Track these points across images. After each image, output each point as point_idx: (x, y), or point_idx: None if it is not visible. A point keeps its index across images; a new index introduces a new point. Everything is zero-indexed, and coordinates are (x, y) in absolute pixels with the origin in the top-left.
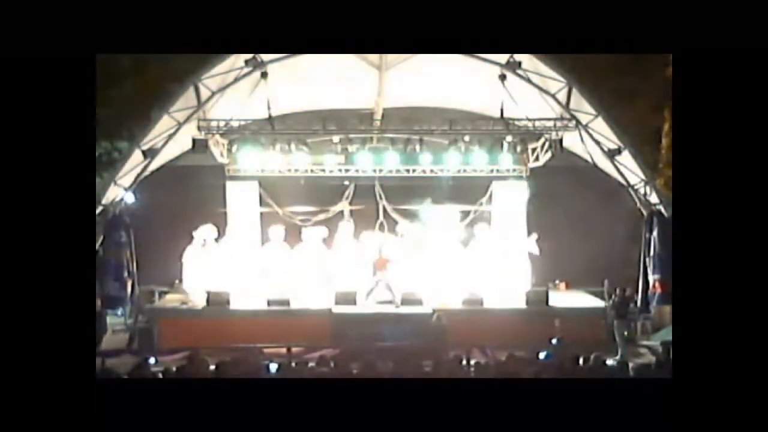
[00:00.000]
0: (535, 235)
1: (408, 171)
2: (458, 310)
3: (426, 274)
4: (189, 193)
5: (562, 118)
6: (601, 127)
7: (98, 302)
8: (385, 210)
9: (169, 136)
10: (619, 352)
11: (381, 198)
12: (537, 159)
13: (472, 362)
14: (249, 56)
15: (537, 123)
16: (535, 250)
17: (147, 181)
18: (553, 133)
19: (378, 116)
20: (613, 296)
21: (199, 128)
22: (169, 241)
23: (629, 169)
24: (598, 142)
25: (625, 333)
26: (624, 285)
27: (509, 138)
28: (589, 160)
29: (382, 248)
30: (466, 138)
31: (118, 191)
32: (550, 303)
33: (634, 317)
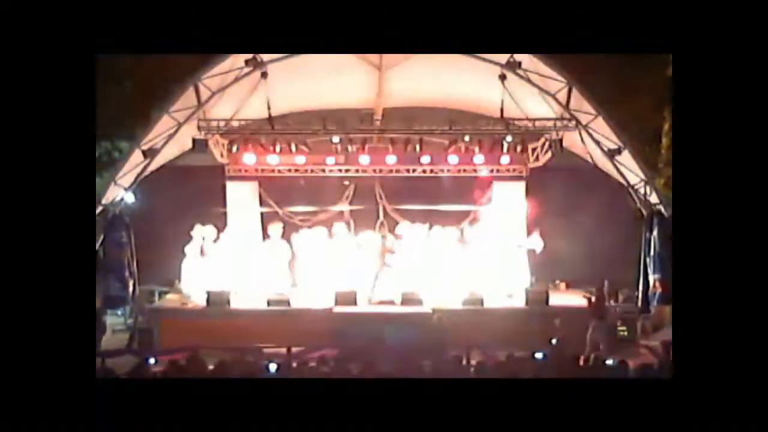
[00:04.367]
0: (536, 235)
1: (408, 171)
2: (458, 310)
3: (426, 274)
4: (189, 193)
5: (562, 118)
6: (601, 127)
7: (98, 302)
8: (385, 210)
9: (169, 136)
10: (587, 351)
11: (381, 198)
12: (537, 159)
13: (472, 362)
14: (249, 56)
15: (537, 123)
16: (538, 246)
17: (147, 181)
18: (553, 133)
19: (378, 116)
20: (590, 298)
21: (199, 128)
22: (169, 241)
23: (629, 169)
24: (598, 142)
25: (625, 332)
26: (617, 285)
27: (509, 138)
28: (589, 160)
29: (386, 240)
30: (466, 138)
31: (118, 191)
32: (550, 303)
33: (629, 316)
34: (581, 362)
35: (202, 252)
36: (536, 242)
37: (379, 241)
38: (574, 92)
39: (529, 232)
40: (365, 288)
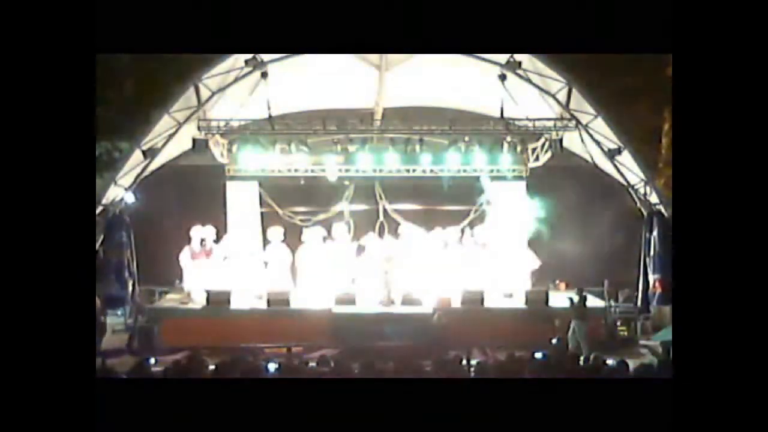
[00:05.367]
0: (537, 261)
1: (408, 171)
2: (458, 310)
3: (426, 274)
4: (189, 193)
5: (562, 118)
6: (601, 127)
7: (98, 302)
8: (385, 210)
9: (169, 136)
10: (584, 354)
11: (381, 198)
12: (537, 159)
13: (472, 362)
14: (249, 56)
15: (537, 123)
16: (532, 265)
17: (147, 181)
18: (553, 133)
19: (378, 116)
20: (572, 298)
21: (199, 128)
22: (169, 241)
23: (629, 169)
24: (598, 142)
25: (625, 332)
26: (617, 285)
27: (509, 138)
28: (589, 160)
29: (384, 247)
30: (466, 138)
31: (118, 191)
32: (550, 303)
33: (629, 316)
34: (581, 362)
35: (202, 252)
36: (530, 260)
37: (380, 247)
38: (574, 92)
39: (530, 233)
40: (368, 292)
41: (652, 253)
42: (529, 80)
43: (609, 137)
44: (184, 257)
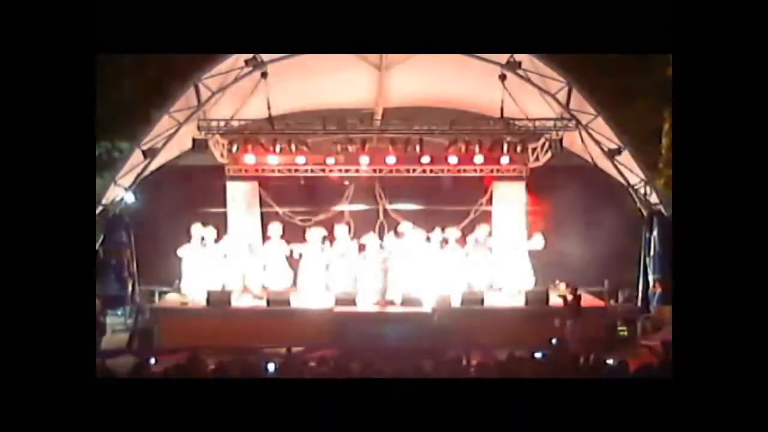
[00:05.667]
0: (540, 238)
1: (408, 171)
2: (458, 310)
3: (426, 275)
4: (189, 193)
5: (562, 118)
6: (601, 127)
7: (98, 302)
8: (385, 210)
9: (169, 136)
10: (582, 354)
11: (381, 198)
12: (537, 159)
13: (472, 362)
14: (249, 56)
15: (537, 123)
16: (539, 246)
17: (147, 181)
18: (553, 133)
19: (378, 116)
20: (565, 296)
21: (199, 128)
22: (169, 241)
23: (629, 169)
24: (598, 142)
25: (625, 332)
26: (617, 285)
27: (509, 138)
28: (589, 160)
29: (384, 247)
30: (466, 138)
31: (118, 191)
32: (550, 303)
33: (629, 316)
34: (581, 362)
35: (201, 251)
36: (537, 242)
37: (379, 248)
38: (574, 92)
39: (530, 233)
40: (369, 292)
41: (652, 253)
42: (529, 80)
43: (609, 137)
44: (184, 251)
